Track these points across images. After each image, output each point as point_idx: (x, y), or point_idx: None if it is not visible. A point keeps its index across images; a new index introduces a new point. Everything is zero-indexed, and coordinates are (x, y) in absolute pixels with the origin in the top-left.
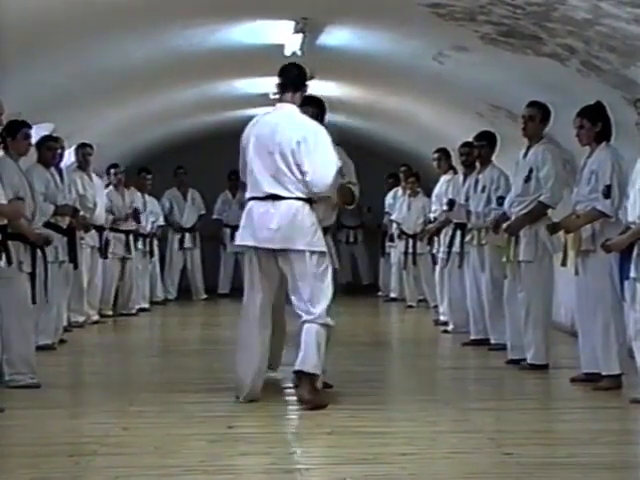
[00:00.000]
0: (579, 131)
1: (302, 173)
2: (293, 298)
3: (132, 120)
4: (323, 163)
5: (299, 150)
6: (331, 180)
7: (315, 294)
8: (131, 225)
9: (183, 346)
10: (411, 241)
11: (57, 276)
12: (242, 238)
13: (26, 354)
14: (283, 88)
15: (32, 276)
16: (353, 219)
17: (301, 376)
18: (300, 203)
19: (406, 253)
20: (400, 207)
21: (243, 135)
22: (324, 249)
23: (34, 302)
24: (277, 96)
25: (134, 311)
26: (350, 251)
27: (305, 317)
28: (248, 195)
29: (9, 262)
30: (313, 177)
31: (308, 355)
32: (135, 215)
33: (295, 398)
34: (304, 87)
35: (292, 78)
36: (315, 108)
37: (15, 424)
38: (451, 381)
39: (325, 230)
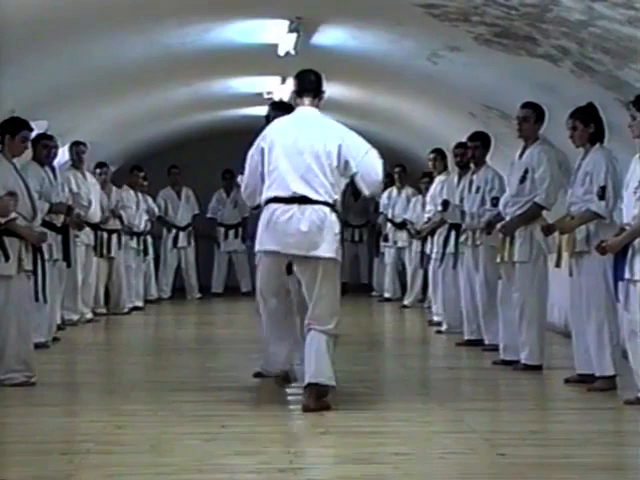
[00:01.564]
0: (572, 132)
1: (350, 175)
2: (310, 308)
3: (126, 118)
4: (370, 162)
5: (342, 153)
6: (381, 176)
7: (333, 305)
8: (115, 224)
9: (177, 345)
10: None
11: (51, 274)
12: (263, 243)
13: (23, 353)
14: (301, 93)
15: (34, 274)
16: (359, 218)
17: (310, 387)
18: (327, 209)
19: (422, 252)
20: (414, 207)
21: (262, 136)
22: (340, 260)
23: (37, 299)
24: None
25: (125, 310)
26: (354, 250)
27: (317, 326)
28: (270, 194)
29: (6, 258)
30: (364, 176)
31: (322, 367)
32: (114, 214)
33: (290, 398)
34: (322, 93)
35: (310, 83)
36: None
37: (8, 422)
38: (445, 381)
39: None
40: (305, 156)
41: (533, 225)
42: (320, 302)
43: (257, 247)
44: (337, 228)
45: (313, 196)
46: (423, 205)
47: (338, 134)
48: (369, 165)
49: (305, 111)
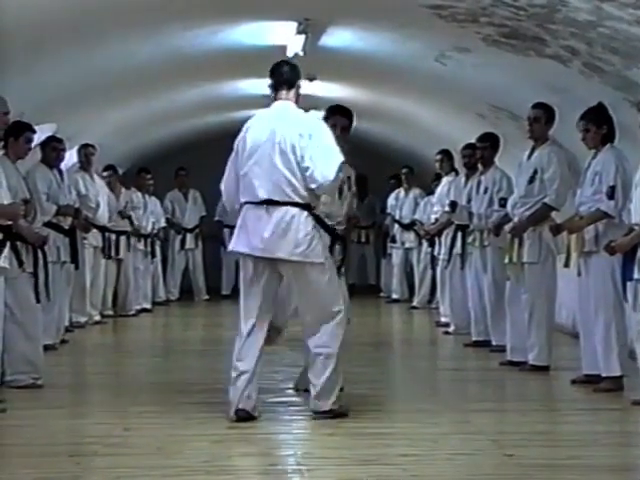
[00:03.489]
0: (585, 135)
1: (303, 169)
2: (300, 315)
3: (134, 121)
4: (325, 157)
5: (300, 145)
6: (333, 175)
7: (320, 314)
8: (124, 226)
9: (185, 346)
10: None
11: (59, 276)
12: (236, 244)
13: (29, 354)
14: (276, 87)
15: (34, 276)
16: (365, 219)
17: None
18: (296, 210)
19: (432, 253)
20: (424, 207)
21: (238, 138)
22: (321, 259)
23: (38, 301)
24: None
25: (132, 312)
26: (361, 251)
27: (314, 349)
28: (242, 199)
29: (20, 263)
30: (314, 172)
31: (324, 395)
32: (123, 216)
33: (297, 400)
34: (298, 84)
35: (285, 75)
36: (344, 118)
37: (17, 424)
38: (452, 382)
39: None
40: (274, 156)
41: (542, 226)
42: (305, 308)
43: (230, 246)
44: (305, 229)
45: (280, 198)
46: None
47: (303, 126)
48: (323, 162)
49: (279, 105)
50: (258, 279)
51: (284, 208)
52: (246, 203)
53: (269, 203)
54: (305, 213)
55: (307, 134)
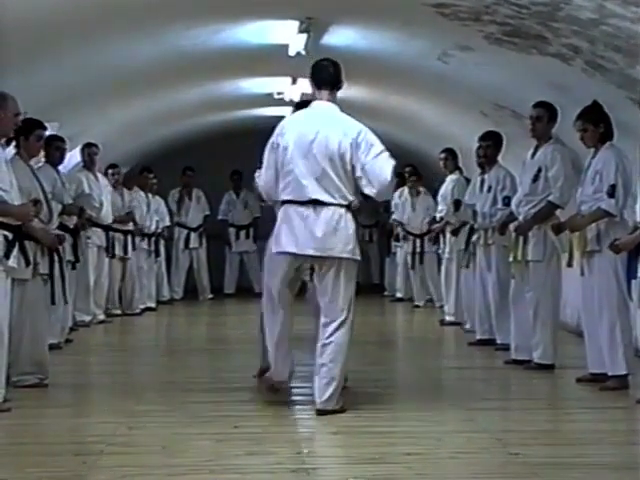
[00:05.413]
0: (583, 134)
1: (354, 178)
2: (325, 307)
3: (137, 120)
4: (378, 165)
5: (353, 154)
6: (389, 182)
7: (347, 304)
8: (129, 225)
9: (189, 345)
10: (418, 241)
11: (69, 276)
12: (281, 245)
13: (36, 355)
14: (318, 86)
15: (50, 277)
16: (369, 218)
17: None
18: (342, 210)
19: (413, 253)
20: (403, 207)
21: (276, 134)
22: (359, 257)
23: (53, 303)
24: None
25: (138, 311)
26: (365, 250)
27: (328, 338)
28: (284, 197)
29: (27, 263)
30: (369, 182)
31: (335, 392)
32: (130, 217)
33: (302, 398)
34: (340, 84)
35: (330, 77)
36: None
37: (22, 423)
38: (457, 381)
39: None
40: (320, 159)
41: (547, 224)
42: (337, 299)
43: (274, 248)
44: (352, 227)
45: (326, 200)
46: (413, 205)
47: (352, 135)
48: (377, 168)
49: (322, 106)
50: (289, 279)
51: (332, 207)
52: (288, 202)
53: (315, 203)
54: (349, 213)
55: (355, 143)
